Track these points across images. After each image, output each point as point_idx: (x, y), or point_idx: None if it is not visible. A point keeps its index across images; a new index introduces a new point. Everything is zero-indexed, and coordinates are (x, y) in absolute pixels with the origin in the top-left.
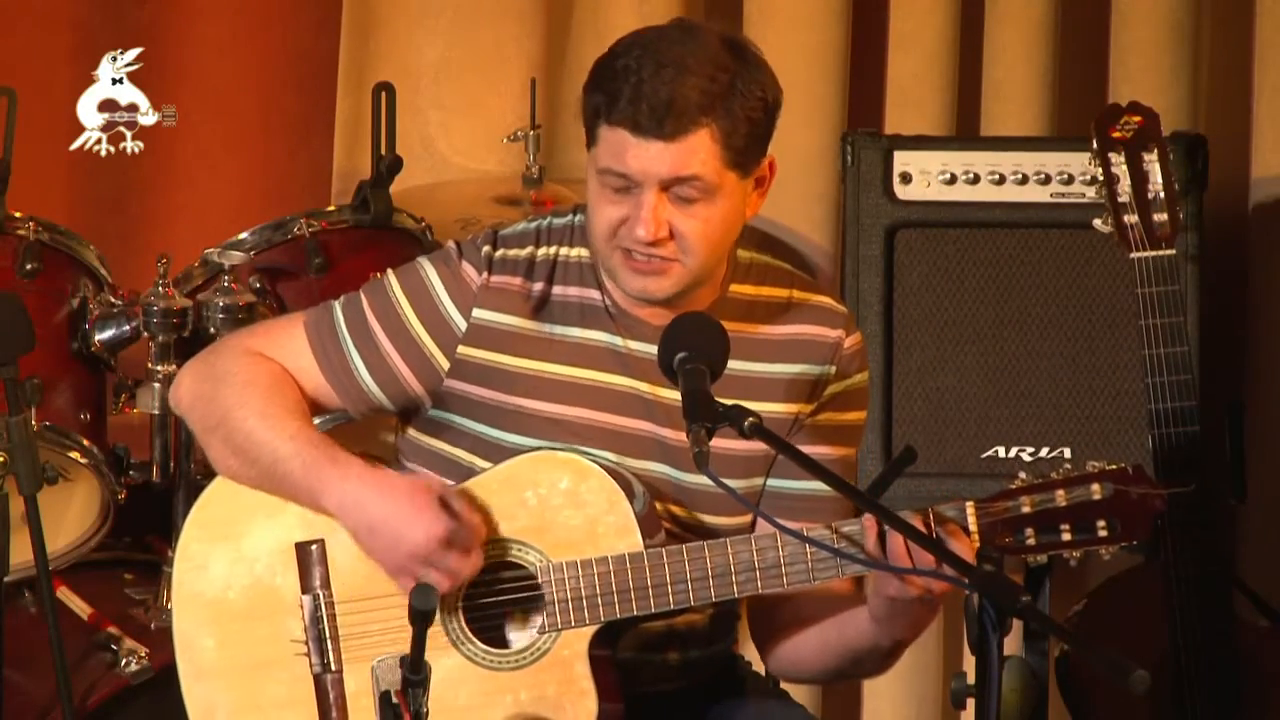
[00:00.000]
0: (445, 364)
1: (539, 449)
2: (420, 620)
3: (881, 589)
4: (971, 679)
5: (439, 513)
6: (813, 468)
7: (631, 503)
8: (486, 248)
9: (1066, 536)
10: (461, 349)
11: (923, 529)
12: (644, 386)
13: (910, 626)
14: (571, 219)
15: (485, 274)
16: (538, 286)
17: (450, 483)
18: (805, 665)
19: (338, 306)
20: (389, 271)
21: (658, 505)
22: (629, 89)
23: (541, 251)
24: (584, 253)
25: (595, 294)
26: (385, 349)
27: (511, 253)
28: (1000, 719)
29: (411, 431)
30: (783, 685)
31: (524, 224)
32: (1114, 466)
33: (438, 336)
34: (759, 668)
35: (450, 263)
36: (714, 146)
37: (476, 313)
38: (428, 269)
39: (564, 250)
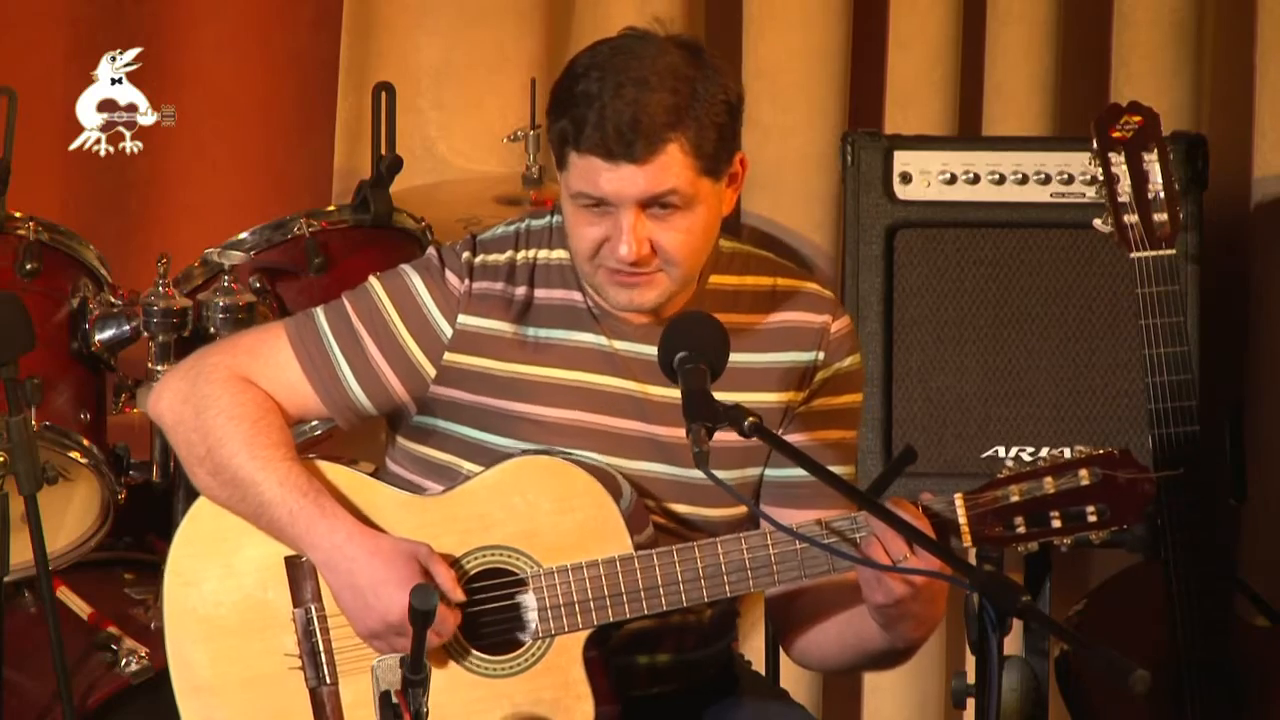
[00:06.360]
0: (432, 371)
1: (525, 453)
2: (420, 620)
3: (869, 599)
4: (971, 678)
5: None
6: (810, 465)
7: (618, 502)
8: (466, 254)
9: (1056, 524)
10: (448, 356)
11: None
12: (633, 385)
13: (916, 627)
14: (549, 220)
15: (467, 281)
16: (520, 291)
17: (435, 549)
18: (826, 660)
19: (320, 315)
20: (372, 279)
21: (653, 502)
22: (593, 114)
23: (521, 255)
24: (564, 255)
25: (578, 296)
26: (373, 357)
27: (491, 258)
28: (1000, 719)
29: (399, 438)
30: (782, 684)
31: (502, 227)
32: (1101, 451)
33: (425, 345)
34: (758, 667)
35: (433, 270)
36: (685, 158)
37: (462, 319)
38: (412, 277)
39: (543, 253)
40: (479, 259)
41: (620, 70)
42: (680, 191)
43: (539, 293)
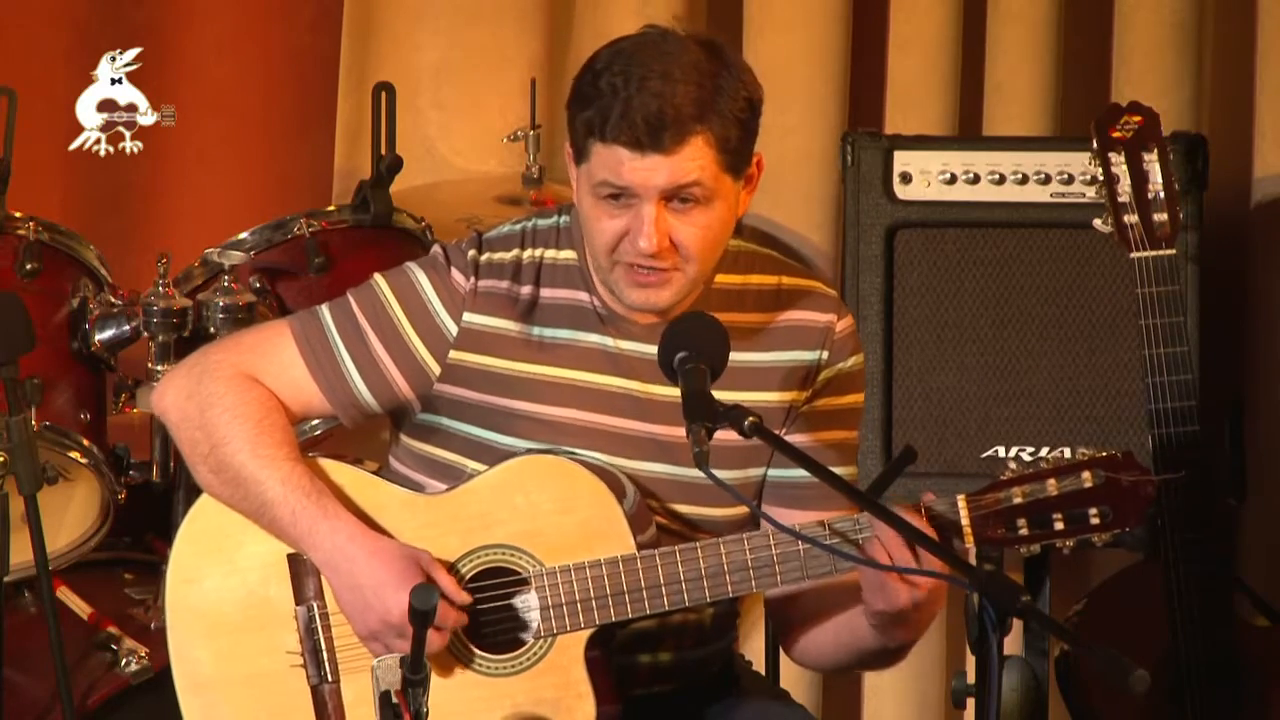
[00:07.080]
0: (437, 369)
1: (528, 452)
2: (420, 620)
3: (870, 605)
4: (971, 679)
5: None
6: (810, 466)
7: (621, 501)
8: (472, 252)
9: (1059, 526)
10: (453, 354)
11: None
12: (636, 385)
13: (909, 630)
14: (556, 220)
15: (473, 279)
16: (525, 290)
17: (435, 555)
18: (823, 659)
19: (325, 312)
20: (377, 276)
21: (656, 502)
22: (619, 105)
23: (527, 254)
24: (571, 255)
25: (584, 296)
26: (378, 354)
27: (497, 256)
28: (1000, 719)
29: (403, 437)
30: (782, 684)
31: (508, 226)
32: (1104, 454)
33: (430, 342)
34: (758, 667)
35: (439, 268)
36: (710, 152)
37: (467, 317)
38: (418, 274)
39: (550, 253)
40: (485, 257)
41: (644, 64)
42: (703, 184)
43: (545, 292)
